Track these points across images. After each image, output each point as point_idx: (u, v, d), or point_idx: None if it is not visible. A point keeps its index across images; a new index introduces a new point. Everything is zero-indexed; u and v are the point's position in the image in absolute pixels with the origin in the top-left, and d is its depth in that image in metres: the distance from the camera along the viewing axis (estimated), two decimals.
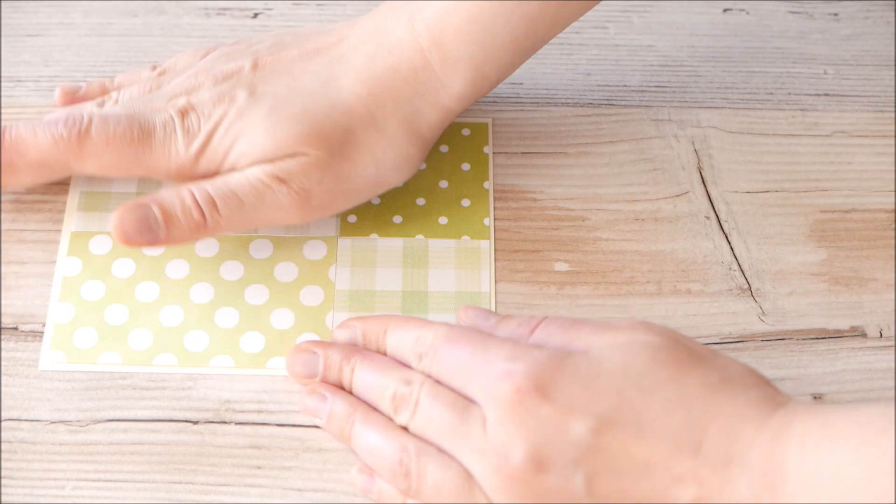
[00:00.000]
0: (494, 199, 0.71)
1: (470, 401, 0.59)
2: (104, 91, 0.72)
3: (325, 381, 0.64)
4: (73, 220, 0.70)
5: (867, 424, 0.54)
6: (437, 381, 0.61)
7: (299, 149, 0.66)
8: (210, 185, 0.66)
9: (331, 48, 0.68)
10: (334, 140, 0.66)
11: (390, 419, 0.61)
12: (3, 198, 0.70)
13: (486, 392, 0.58)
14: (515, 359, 0.58)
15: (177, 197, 0.66)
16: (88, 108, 0.69)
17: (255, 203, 0.66)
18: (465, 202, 0.71)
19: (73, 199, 0.70)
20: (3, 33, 0.77)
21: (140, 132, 0.66)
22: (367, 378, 0.63)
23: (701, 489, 0.55)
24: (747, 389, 0.57)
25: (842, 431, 0.54)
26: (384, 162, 0.67)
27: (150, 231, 0.65)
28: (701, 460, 0.55)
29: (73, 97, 0.72)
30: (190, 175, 0.67)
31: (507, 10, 0.66)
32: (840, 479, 0.53)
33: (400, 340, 0.63)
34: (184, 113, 0.67)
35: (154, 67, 0.71)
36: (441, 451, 0.59)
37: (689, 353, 0.58)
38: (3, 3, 0.78)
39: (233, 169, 0.66)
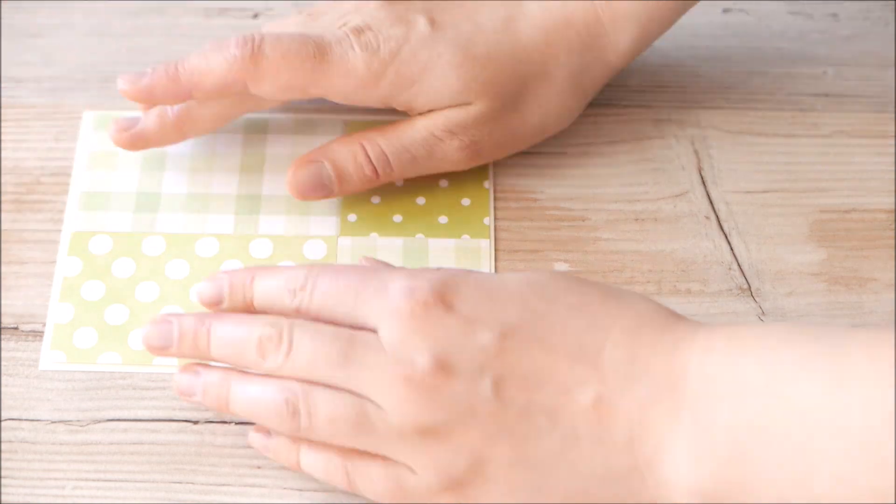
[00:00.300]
0: (494, 199, 0.71)
1: (355, 328, 0.57)
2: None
3: (181, 353, 0.60)
4: (73, 220, 0.70)
5: (772, 336, 0.55)
6: (316, 319, 0.58)
7: (475, 98, 0.67)
8: (382, 141, 0.67)
9: None
10: (509, 90, 0.67)
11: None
12: (3, 198, 0.70)
13: (384, 311, 0.57)
14: (416, 277, 0.57)
15: (349, 153, 0.67)
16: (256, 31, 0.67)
17: (425, 156, 0.68)
18: (465, 201, 0.71)
19: (73, 199, 0.71)
20: (3, 33, 0.77)
21: (316, 48, 0.65)
22: (225, 336, 0.59)
23: (602, 389, 0.55)
24: (648, 301, 0.58)
25: (747, 341, 0.55)
26: (549, 113, 0.69)
27: (324, 187, 0.67)
28: (603, 362, 0.56)
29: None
30: (369, 96, 0.67)
31: None
32: (741, 384, 0.54)
33: (269, 283, 0.59)
34: (359, 31, 0.66)
35: (301, 11, 0.70)
36: (328, 385, 0.57)
37: (586, 277, 0.60)
38: (3, 3, 0.78)
39: (413, 102, 0.67)
